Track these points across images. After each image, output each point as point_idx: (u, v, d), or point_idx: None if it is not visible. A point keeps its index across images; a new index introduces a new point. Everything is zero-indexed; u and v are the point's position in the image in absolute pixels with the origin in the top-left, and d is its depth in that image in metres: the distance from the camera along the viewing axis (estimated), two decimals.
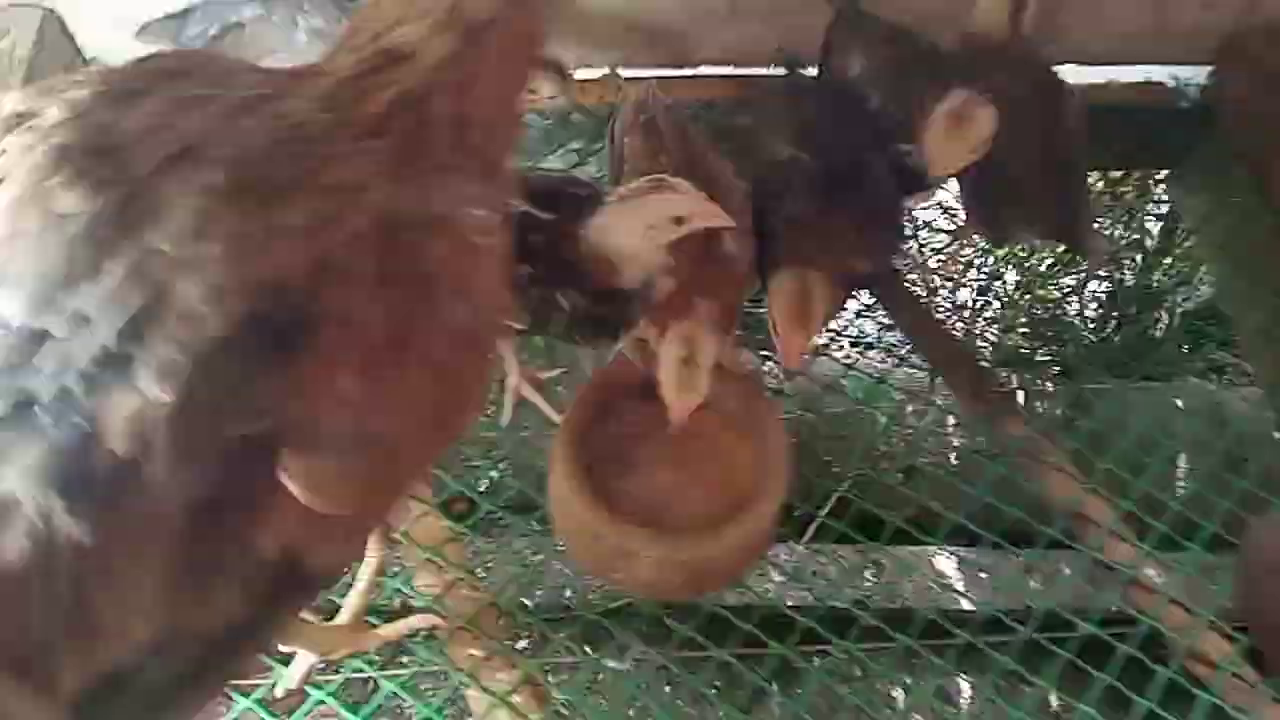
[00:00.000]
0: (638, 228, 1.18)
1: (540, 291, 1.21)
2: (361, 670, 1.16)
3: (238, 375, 0.64)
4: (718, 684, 1.22)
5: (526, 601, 1.25)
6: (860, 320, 1.84)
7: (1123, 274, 2.54)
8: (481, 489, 1.35)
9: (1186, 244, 2.32)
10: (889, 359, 2.02)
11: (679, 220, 1.17)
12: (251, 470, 0.65)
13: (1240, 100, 1.70)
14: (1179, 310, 2.42)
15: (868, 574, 1.61)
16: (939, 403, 2.00)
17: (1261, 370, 1.73)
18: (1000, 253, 2.39)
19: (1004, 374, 2.21)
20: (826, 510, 1.39)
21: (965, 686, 2.15)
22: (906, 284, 1.73)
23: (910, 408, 1.84)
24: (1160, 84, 1.79)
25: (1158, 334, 2.37)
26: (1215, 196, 1.76)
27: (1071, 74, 1.59)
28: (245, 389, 0.64)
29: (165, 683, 0.68)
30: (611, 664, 1.20)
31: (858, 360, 1.70)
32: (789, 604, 1.30)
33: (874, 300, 1.80)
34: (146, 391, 0.62)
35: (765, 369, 1.62)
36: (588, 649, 1.23)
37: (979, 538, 1.39)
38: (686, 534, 1.23)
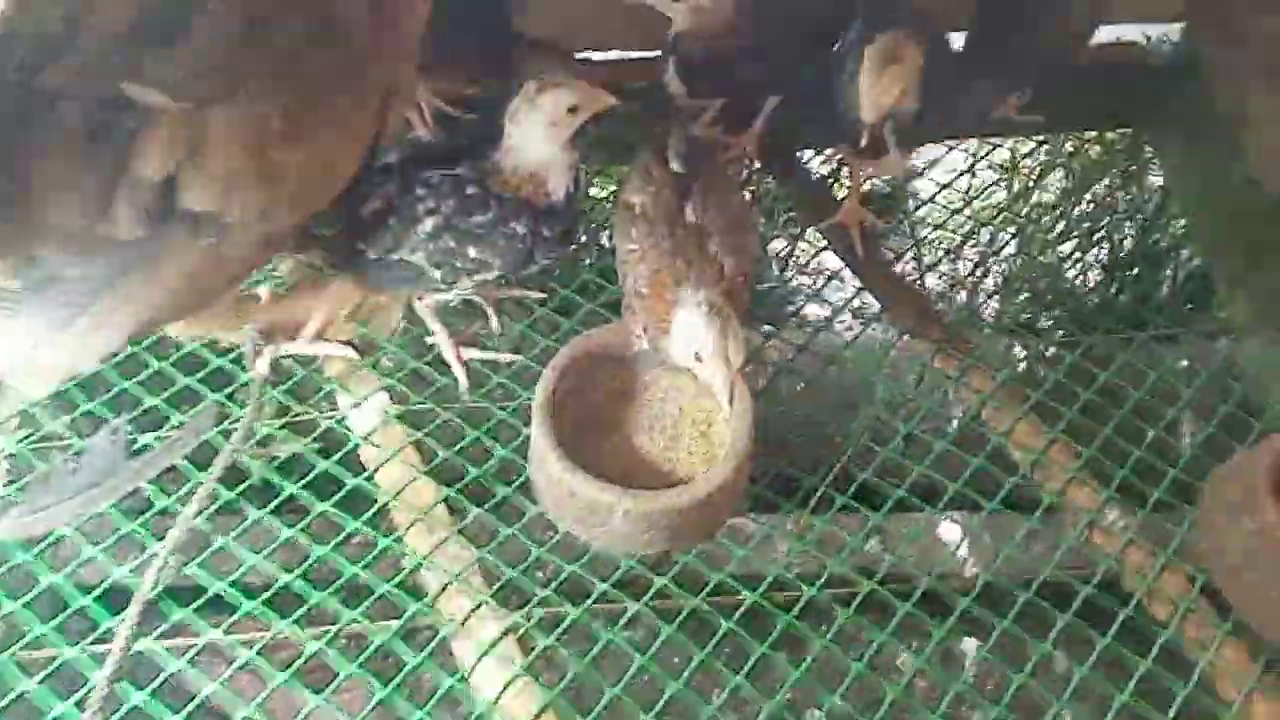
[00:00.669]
0: (540, 131, 1.32)
1: (501, 236, 1.34)
2: (356, 623, 1.25)
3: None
4: (727, 650, 1.27)
5: (511, 566, 1.32)
6: (864, 293, 1.88)
7: (1124, 235, 2.54)
8: (472, 461, 1.43)
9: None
10: (890, 332, 2.07)
11: (573, 110, 1.31)
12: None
13: (1211, 56, 1.71)
14: (1183, 269, 2.41)
15: (872, 542, 1.65)
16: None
17: (1237, 317, 1.74)
18: (998, 221, 2.40)
19: (1008, 342, 2.25)
20: (829, 479, 1.44)
21: (970, 650, 2.19)
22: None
23: (910, 378, 1.88)
24: (1132, 42, 1.81)
25: (1161, 294, 2.37)
26: (1188, 150, 1.77)
27: None
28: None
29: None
30: (621, 636, 1.26)
31: (861, 332, 1.75)
32: (793, 574, 1.35)
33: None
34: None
35: (770, 344, 1.67)
36: (569, 604, 1.29)
37: (979, 505, 1.44)
38: (657, 488, 1.30)
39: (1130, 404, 1.55)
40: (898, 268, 1.91)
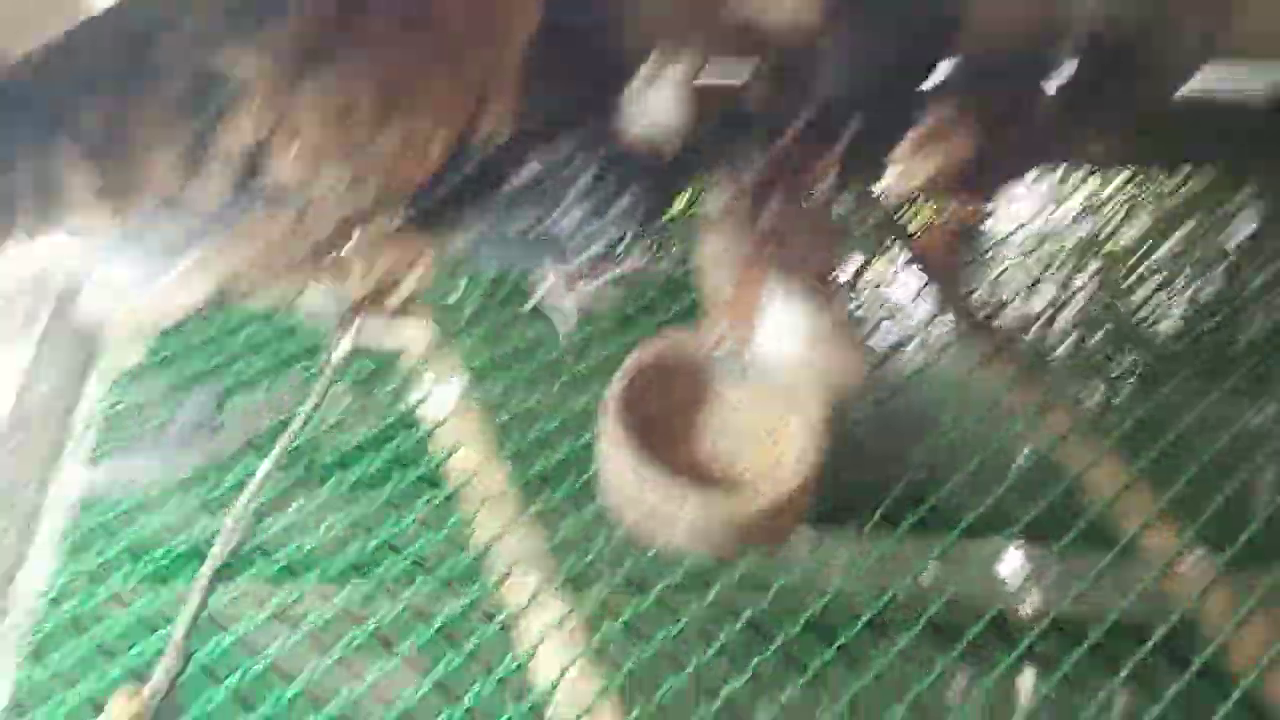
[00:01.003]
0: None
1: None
2: (421, 597, 1.28)
3: None
4: (778, 662, 1.27)
5: (574, 555, 1.34)
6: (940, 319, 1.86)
7: (1209, 280, 2.48)
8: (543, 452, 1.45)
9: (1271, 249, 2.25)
10: (965, 360, 2.04)
11: None
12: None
13: None
14: (1269, 318, 2.34)
15: (934, 565, 1.64)
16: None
17: None
18: (1078, 259, 2.36)
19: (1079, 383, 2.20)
20: (891, 501, 1.43)
21: (1028, 685, 2.13)
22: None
23: (984, 408, 1.85)
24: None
25: (1245, 343, 2.31)
26: None
27: None
28: None
29: None
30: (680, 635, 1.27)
31: (936, 360, 1.74)
32: (852, 591, 1.35)
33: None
34: None
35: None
36: (630, 597, 1.30)
37: (1050, 538, 1.41)
38: (727, 490, 1.31)
39: (1207, 455, 1.51)
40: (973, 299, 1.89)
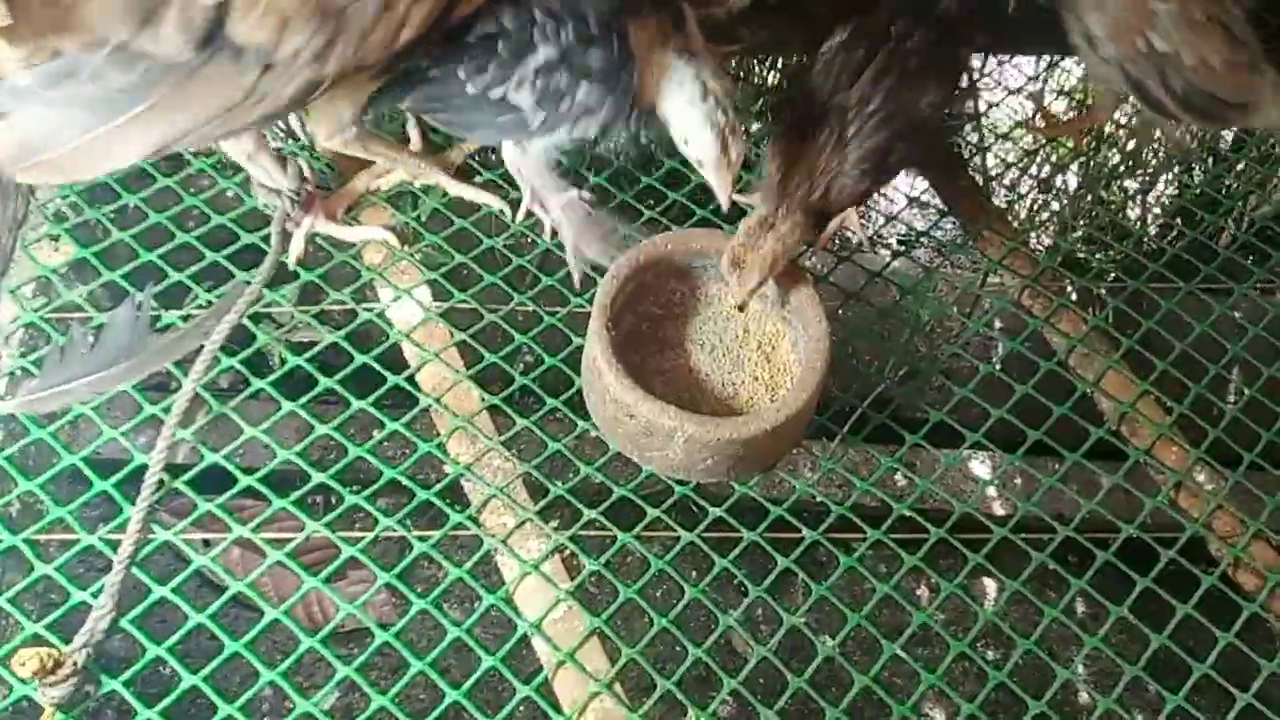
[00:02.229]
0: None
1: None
2: (393, 530, 1.18)
3: None
4: (744, 569, 1.22)
5: (558, 483, 1.25)
6: (910, 212, 1.77)
7: (1191, 177, 2.42)
8: (520, 367, 1.34)
9: (1263, 146, 2.18)
10: (938, 257, 1.97)
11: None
12: None
13: None
14: (1248, 217, 2.30)
15: (901, 474, 1.59)
16: (986, 304, 1.95)
17: None
18: (1062, 151, 2.28)
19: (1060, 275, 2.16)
20: (863, 407, 1.36)
21: (992, 588, 2.17)
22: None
23: (956, 309, 1.79)
24: None
25: (1223, 242, 2.27)
26: None
27: None
28: None
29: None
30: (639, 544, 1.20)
31: (905, 251, 1.65)
32: (819, 498, 1.30)
33: (928, 192, 1.73)
34: None
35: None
36: (616, 528, 1.22)
37: (1018, 443, 1.37)
38: (720, 415, 1.22)
39: (1173, 355, 1.47)
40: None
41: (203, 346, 1.25)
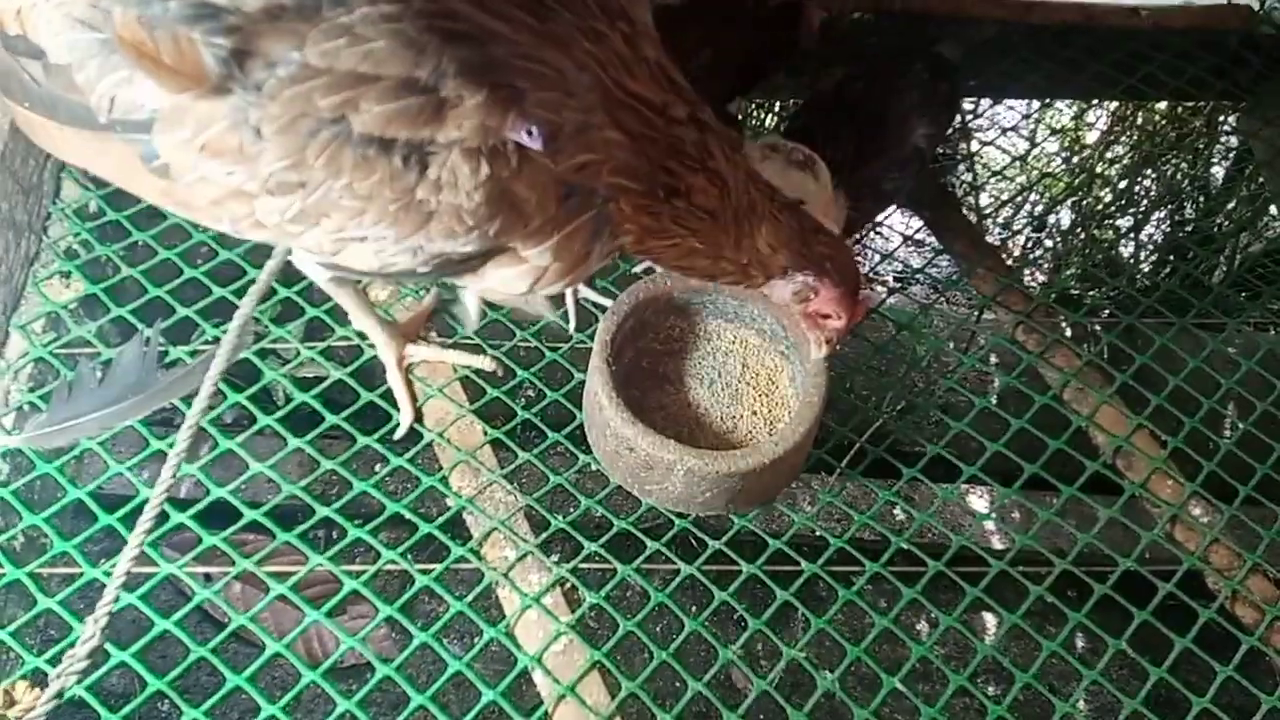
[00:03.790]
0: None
1: None
2: (395, 564, 1.19)
3: None
4: (744, 602, 1.22)
5: (559, 516, 1.26)
6: (907, 251, 1.81)
7: (1183, 215, 2.46)
8: (522, 402, 1.35)
9: (1254, 185, 2.22)
10: (933, 294, 1.99)
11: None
12: None
13: None
14: (1240, 254, 2.33)
15: (899, 508, 1.60)
16: (982, 340, 1.97)
17: None
18: (1056, 189, 2.32)
19: (1055, 312, 2.18)
20: (861, 441, 1.38)
21: (991, 622, 2.16)
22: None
23: (952, 344, 1.81)
24: (1244, 6, 1.69)
25: (1215, 278, 2.30)
26: None
27: None
28: None
29: None
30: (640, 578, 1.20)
31: (902, 287, 1.68)
32: (818, 531, 1.31)
33: (923, 231, 1.76)
34: None
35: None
36: (617, 561, 1.23)
37: (1014, 477, 1.38)
38: (719, 449, 1.23)
39: (1168, 390, 1.49)
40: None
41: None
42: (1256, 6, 1.68)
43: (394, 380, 1.33)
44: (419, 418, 1.33)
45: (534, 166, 0.90)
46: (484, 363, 1.36)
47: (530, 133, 0.88)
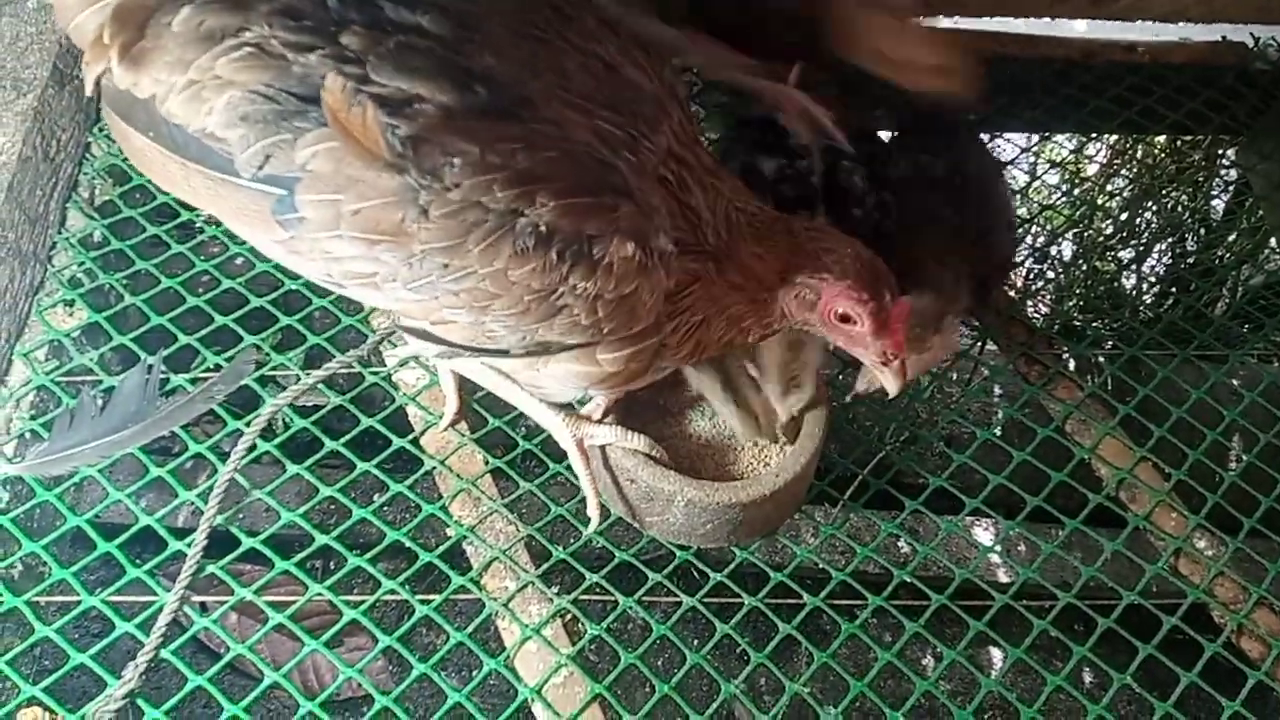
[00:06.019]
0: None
1: None
2: (394, 594, 1.18)
3: None
4: (746, 635, 1.21)
5: (559, 546, 1.25)
6: None
7: (1184, 247, 2.46)
8: (523, 431, 1.35)
9: (1254, 218, 2.23)
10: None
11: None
12: None
13: None
14: (1241, 287, 2.33)
15: (903, 540, 1.59)
16: (985, 371, 1.97)
17: None
18: (1057, 222, 2.32)
19: (1057, 343, 2.18)
20: (864, 473, 1.37)
21: (996, 656, 2.14)
22: None
23: (955, 375, 1.81)
24: (1238, 43, 1.71)
25: (1217, 310, 2.30)
26: None
27: (1143, 31, 1.53)
28: None
29: None
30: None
31: None
32: (821, 564, 1.30)
33: None
34: None
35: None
36: (618, 592, 1.22)
37: (1018, 510, 1.38)
38: (720, 481, 1.22)
39: (1171, 422, 1.49)
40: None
41: (212, 411, 1.27)
42: (1251, 44, 1.69)
43: (576, 464, 1.23)
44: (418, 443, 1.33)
45: (658, 276, 0.97)
46: (640, 442, 1.24)
47: (674, 243, 0.97)
